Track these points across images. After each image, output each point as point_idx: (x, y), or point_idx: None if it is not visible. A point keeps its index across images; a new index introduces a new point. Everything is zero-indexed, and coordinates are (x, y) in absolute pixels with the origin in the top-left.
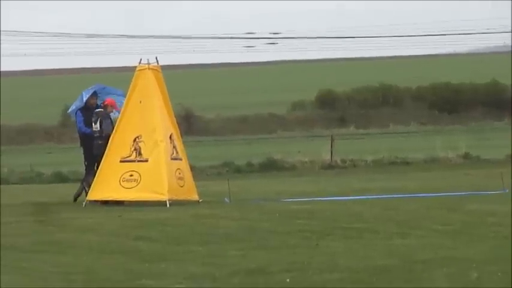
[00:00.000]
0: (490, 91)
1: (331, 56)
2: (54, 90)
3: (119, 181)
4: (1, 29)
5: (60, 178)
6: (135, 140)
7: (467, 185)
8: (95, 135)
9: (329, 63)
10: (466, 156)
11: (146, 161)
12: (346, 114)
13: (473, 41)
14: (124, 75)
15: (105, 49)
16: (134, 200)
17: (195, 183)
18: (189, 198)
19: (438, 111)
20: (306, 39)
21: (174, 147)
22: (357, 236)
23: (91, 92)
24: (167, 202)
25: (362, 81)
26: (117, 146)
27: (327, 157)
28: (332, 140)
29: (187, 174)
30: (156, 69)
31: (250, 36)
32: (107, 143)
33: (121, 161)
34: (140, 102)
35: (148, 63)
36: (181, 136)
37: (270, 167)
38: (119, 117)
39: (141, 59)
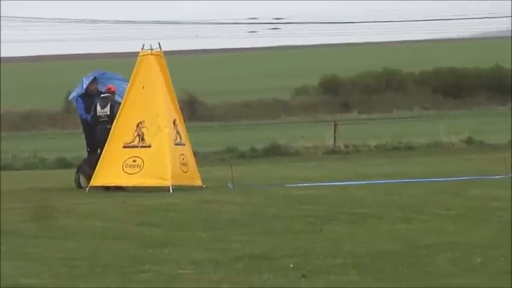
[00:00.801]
0: (494, 76)
1: (335, 41)
2: (57, 76)
3: (122, 167)
4: (1, 15)
5: (63, 164)
6: (138, 125)
7: (470, 170)
8: (101, 119)
9: (332, 49)
10: (469, 141)
11: (149, 146)
12: (350, 99)
13: (477, 26)
14: (127, 61)
15: (108, 35)
16: (137, 185)
17: (199, 168)
18: (192, 183)
19: (442, 96)
20: (309, 25)
21: (178, 132)
22: (360, 221)
23: (91, 78)
24: (170, 188)
25: (365, 67)
26: (120, 132)
27: (330, 142)
28: (335, 125)
29: (191, 160)
30: (159, 55)
31: (253, 22)
32: None
33: (124, 147)
34: (143, 87)
35: (151, 49)
36: (185, 122)
37: (274, 152)
38: (122, 102)
39: (143, 45)
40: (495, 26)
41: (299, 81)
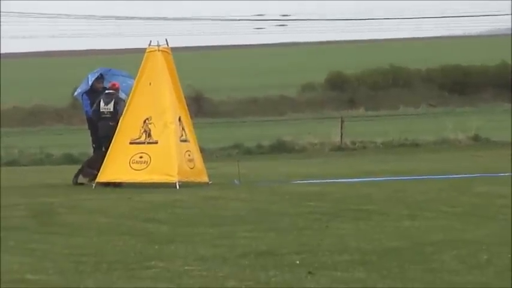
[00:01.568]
0: (501, 73)
1: (341, 38)
2: (64, 72)
3: (129, 163)
4: (2, 10)
5: (70, 160)
6: (145, 121)
7: (476, 167)
8: (103, 115)
9: (339, 45)
10: (476, 138)
11: (156, 142)
12: (356, 96)
13: (484, 23)
14: (134, 57)
15: (116, 31)
16: (144, 181)
17: (205, 165)
18: (198, 180)
19: (448, 93)
20: (316, 21)
21: (183, 129)
22: (366, 217)
23: (96, 75)
24: (177, 184)
25: (372, 63)
26: (127, 128)
27: (336, 139)
28: (342, 122)
29: (197, 156)
30: (166, 51)
31: (260, 18)
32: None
33: (131, 143)
34: (150, 84)
35: (158, 45)
36: (191, 118)
37: (280, 148)
38: (129, 99)
39: (151, 41)
40: (503, 24)
41: (305, 77)
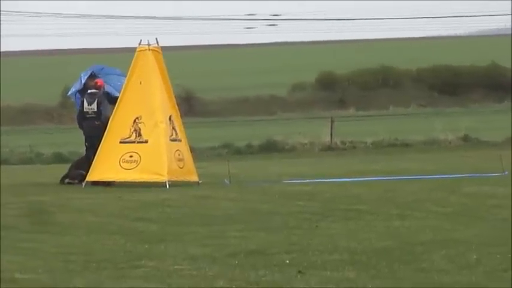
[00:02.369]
0: (490, 73)
1: (331, 38)
2: (54, 71)
3: (119, 162)
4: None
5: (60, 159)
6: (135, 121)
7: (466, 167)
8: (88, 115)
9: (329, 45)
10: (466, 138)
11: (146, 142)
12: (346, 96)
13: (474, 23)
14: (124, 56)
15: (105, 30)
16: (134, 181)
17: (195, 164)
18: (188, 179)
19: (438, 94)
20: (306, 21)
21: (173, 128)
22: (356, 217)
23: (89, 73)
24: (167, 183)
25: (362, 64)
26: (117, 127)
27: (326, 139)
28: (332, 122)
29: (187, 156)
30: (156, 50)
31: (251, 18)
32: (107, 124)
33: (121, 142)
34: (140, 83)
35: (149, 44)
36: (181, 117)
37: (270, 148)
38: (119, 98)
39: (141, 40)
40: (493, 24)
41: (296, 77)
